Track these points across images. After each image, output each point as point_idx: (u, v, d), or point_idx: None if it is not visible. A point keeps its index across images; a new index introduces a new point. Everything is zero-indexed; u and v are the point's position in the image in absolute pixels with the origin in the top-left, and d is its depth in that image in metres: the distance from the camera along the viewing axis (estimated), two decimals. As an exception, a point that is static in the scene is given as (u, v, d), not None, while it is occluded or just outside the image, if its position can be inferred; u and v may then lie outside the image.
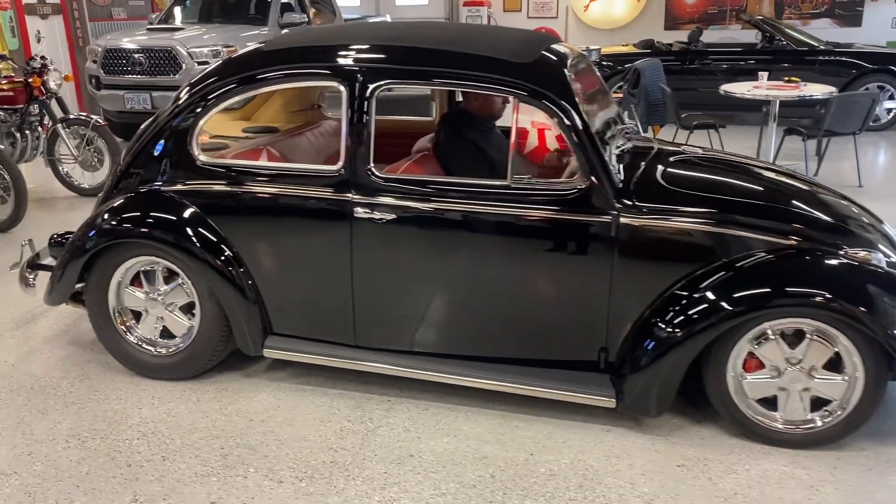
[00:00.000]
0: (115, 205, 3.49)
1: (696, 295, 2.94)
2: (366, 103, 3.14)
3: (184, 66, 8.53)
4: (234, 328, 3.43)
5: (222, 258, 3.34)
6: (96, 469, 2.95)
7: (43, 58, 6.85)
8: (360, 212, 3.18)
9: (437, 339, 3.29)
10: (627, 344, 3.06)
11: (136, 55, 8.61)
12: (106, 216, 3.45)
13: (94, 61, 8.91)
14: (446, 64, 3.16)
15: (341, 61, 3.23)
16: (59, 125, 6.75)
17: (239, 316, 3.39)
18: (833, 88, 7.07)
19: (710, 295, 2.91)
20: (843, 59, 9.61)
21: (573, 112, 3.00)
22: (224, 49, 8.72)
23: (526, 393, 3.15)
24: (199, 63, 8.60)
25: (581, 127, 2.99)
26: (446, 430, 3.18)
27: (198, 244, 3.33)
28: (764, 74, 7.43)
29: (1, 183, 5.85)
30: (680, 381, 2.98)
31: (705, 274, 2.96)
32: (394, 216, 3.15)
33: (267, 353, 3.45)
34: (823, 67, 9.61)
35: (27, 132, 6.85)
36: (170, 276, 3.50)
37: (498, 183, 3.10)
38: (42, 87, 6.74)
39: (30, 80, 6.69)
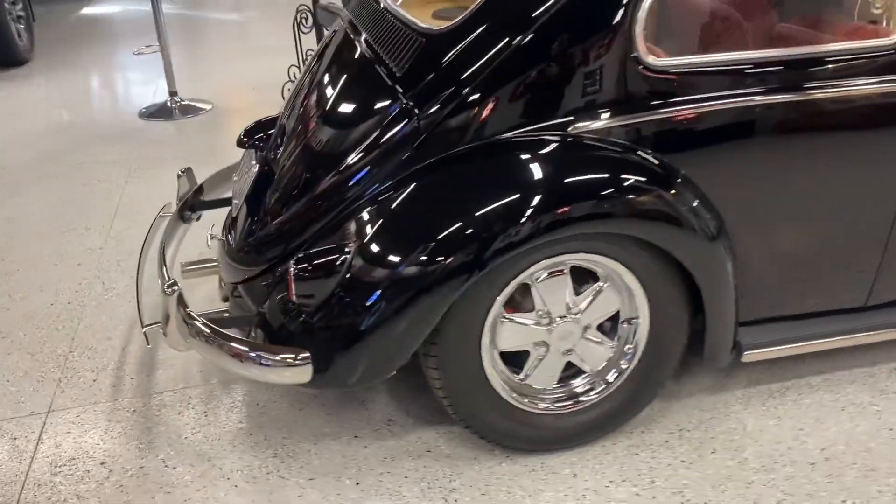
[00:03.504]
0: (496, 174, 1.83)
1: None
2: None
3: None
4: (711, 333, 2.08)
5: (713, 224, 1.94)
6: None
7: None
8: (945, 105, 1.98)
9: None
10: None
11: None
12: (510, 194, 1.78)
13: None
14: None
15: None
16: None
17: (725, 312, 2.05)
18: None
19: None
20: None
21: None
22: None
23: None
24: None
25: None
26: None
27: (688, 212, 1.88)
28: None
29: None
30: None
31: None
32: None
33: (749, 356, 2.16)
34: None
35: None
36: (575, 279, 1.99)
37: None
38: None
39: None
